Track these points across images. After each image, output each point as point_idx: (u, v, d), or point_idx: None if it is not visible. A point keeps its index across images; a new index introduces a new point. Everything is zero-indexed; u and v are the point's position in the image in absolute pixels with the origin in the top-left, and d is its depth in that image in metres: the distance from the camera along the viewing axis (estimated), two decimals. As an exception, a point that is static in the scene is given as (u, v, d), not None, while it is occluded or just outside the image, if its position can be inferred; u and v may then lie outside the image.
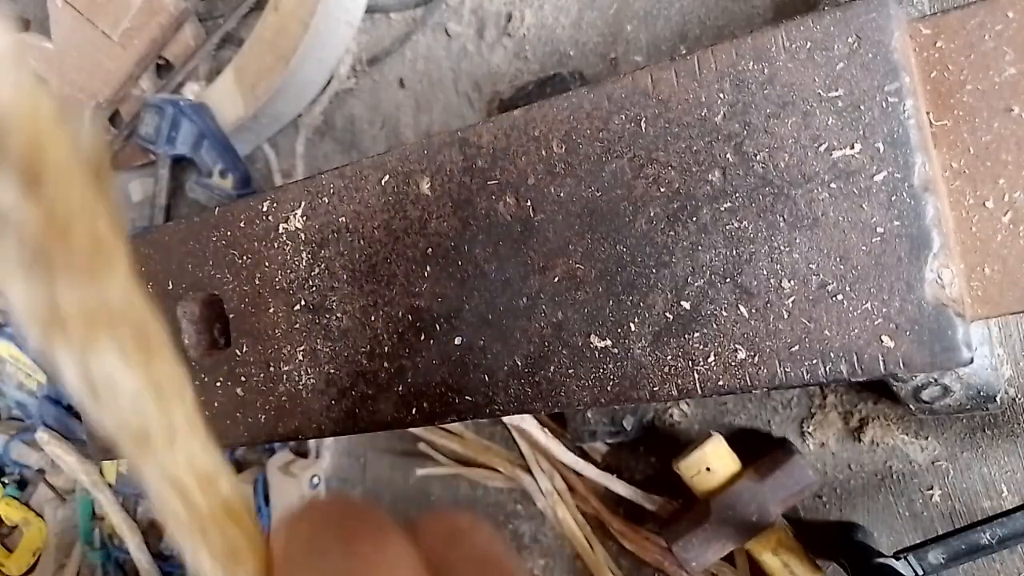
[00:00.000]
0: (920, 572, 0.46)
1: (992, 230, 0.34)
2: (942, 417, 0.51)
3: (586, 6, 0.64)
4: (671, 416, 0.61)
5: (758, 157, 0.36)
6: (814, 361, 0.35)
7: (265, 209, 0.49)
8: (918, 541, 0.47)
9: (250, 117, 0.75)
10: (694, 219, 0.37)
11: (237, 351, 0.50)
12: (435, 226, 0.43)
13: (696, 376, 0.37)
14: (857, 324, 0.34)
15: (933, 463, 0.53)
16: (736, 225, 0.36)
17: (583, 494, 0.65)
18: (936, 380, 0.46)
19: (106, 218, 0.14)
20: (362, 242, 0.46)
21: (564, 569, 0.68)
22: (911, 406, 0.48)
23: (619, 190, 0.39)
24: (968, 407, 0.47)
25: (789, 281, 0.35)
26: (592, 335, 0.39)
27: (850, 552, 0.52)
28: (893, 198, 0.33)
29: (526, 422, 0.64)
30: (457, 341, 0.43)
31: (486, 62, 0.69)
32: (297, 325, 0.48)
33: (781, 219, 0.35)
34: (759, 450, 0.55)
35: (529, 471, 0.67)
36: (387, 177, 0.45)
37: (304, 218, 0.48)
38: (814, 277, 0.35)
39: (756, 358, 0.36)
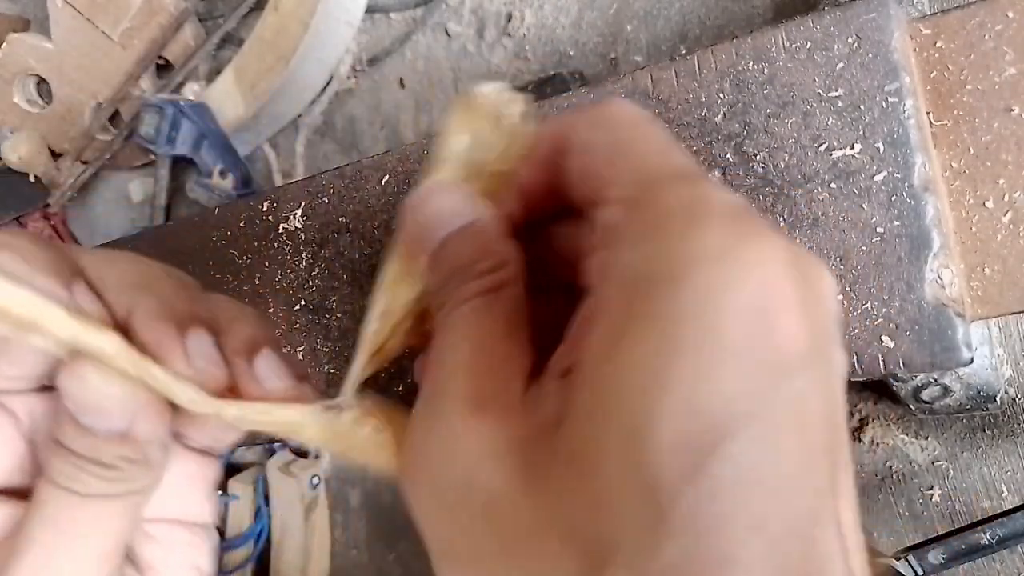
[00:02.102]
0: (920, 572, 0.46)
1: (992, 230, 0.34)
2: (942, 417, 0.51)
3: (586, 6, 0.64)
4: (671, 416, 0.61)
5: (758, 157, 0.36)
6: (814, 361, 0.35)
7: (265, 209, 0.49)
8: (918, 541, 0.47)
9: (250, 117, 0.75)
10: (694, 219, 0.37)
11: (237, 351, 0.50)
12: (435, 226, 0.43)
13: (696, 376, 0.37)
14: (857, 324, 0.34)
15: (933, 463, 0.53)
16: (736, 225, 0.36)
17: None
18: (936, 380, 0.46)
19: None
20: (362, 242, 0.46)
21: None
22: (911, 406, 0.48)
23: (619, 190, 0.39)
24: (968, 407, 0.47)
25: (789, 281, 0.35)
26: (592, 335, 0.39)
27: (850, 552, 0.52)
28: (893, 198, 0.33)
29: (526, 422, 0.64)
30: (457, 341, 0.43)
31: (486, 62, 0.69)
32: (297, 325, 0.48)
33: (781, 219, 0.35)
34: (759, 450, 0.55)
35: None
36: (387, 177, 0.45)
37: (304, 218, 0.47)
38: (814, 277, 0.35)
39: (756, 358, 0.36)
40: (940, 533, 0.46)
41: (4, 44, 0.78)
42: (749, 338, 0.16)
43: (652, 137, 0.20)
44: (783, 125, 0.35)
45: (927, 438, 0.53)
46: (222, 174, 0.77)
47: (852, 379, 0.34)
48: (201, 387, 0.22)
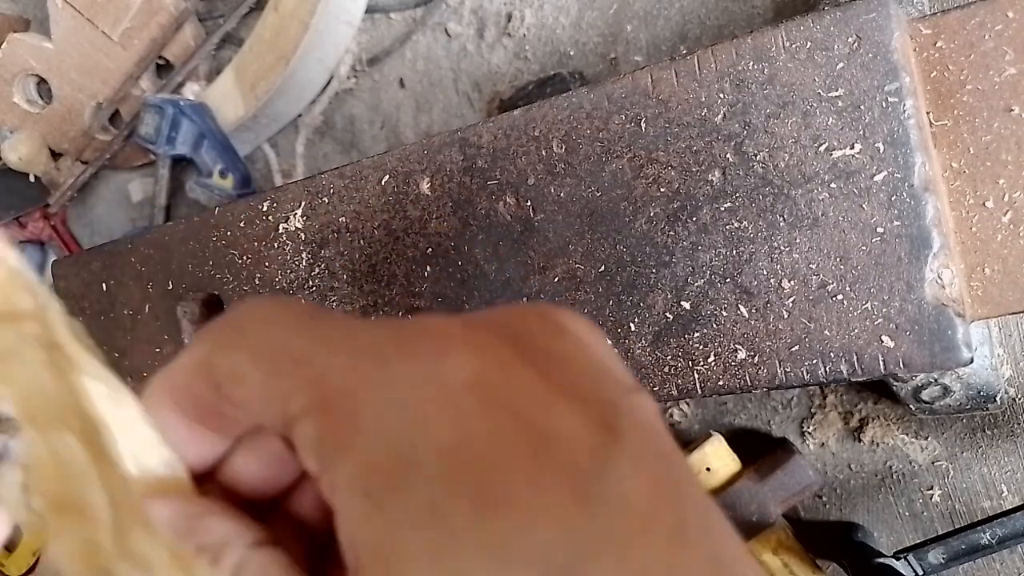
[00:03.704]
0: (920, 572, 0.46)
1: (992, 230, 0.34)
2: (942, 417, 0.51)
3: (586, 6, 0.64)
4: (671, 416, 0.61)
5: (758, 157, 0.36)
6: (814, 361, 0.35)
7: (265, 209, 0.49)
8: (918, 541, 0.47)
9: (250, 117, 0.75)
10: (694, 219, 0.37)
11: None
12: (435, 226, 0.43)
13: (696, 376, 0.37)
14: (857, 324, 0.34)
15: (933, 463, 0.53)
16: (736, 225, 0.36)
17: (583, 494, 0.65)
18: (936, 380, 0.46)
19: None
20: (362, 242, 0.46)
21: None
22: (911, 406, 0.48)
23: (619, 190, 0.39)
24: (968, 407, 0.47)
25: (789, 281, 0.35)
26: (592, 335, 0.39)
27: (850, 552, 0.52)
28: (893, 198, 0.33)
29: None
30: (457, 341, 0.43)
31: (486, 62, 0.69)
32: (297, 325, 0.48)
33: (781, 219, 0.35)
34: (759, 450, 0.55)
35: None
36: (387, 177, 0.45)
37: (304, 218, 0.47)
38: (814, 277, 0.35)
39: (756, 358, 0.36)
40: (940, 533, 0.46)
41: (4, 44, 0.78)
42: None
43: (285, 324, 0.17)
44: (783, 125, 0.35)
45: (927, 438, 0.53)
46: (222, 174, 0.77)
47: (852, 379, 0.34)
48: None
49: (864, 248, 0.34)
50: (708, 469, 0.54)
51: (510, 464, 0.14)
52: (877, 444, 0.55)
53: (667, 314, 0.38)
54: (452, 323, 0.17)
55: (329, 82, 0.75)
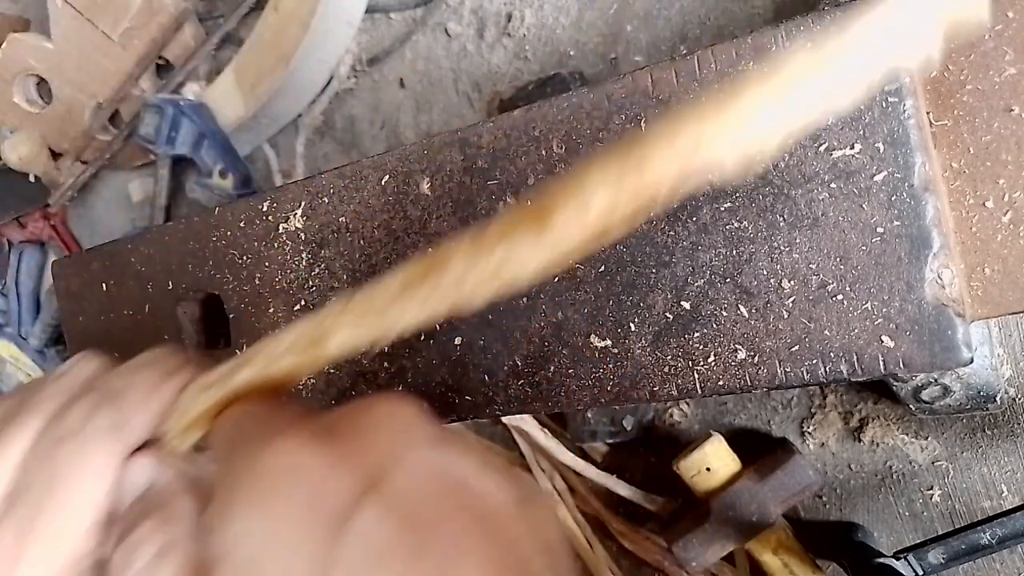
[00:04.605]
0: (920, 572, 0.46)
1: (992, 230, 0.34)
2: (942, 417, 0.51)
3: (586, 6, 0.64)
4: (671, 416, 0.61)
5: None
6: (814, 361, 0.35)
7: (265, 209, 0.49)
8: (918, 541, 0.47)
9: (250, 117, 0.75)
10: (694, 219, 0.37)
11: (237, 351, 0.50)
12: (435, 226, 0.43)
13: (696, 376, 0.37)
14: (857, 324, 0.34)
15: (933, 463, 0.53)
16: (736, 225, 0.36)
17: (583, 494, 0.65)
18: (936, 380, 0.46)
19: None
20: (362, 242, 0.46)
21: (564, 569, 0.68)
22: (911, 406, 0.48)
23: (619, 190, 0.39)
24: (968, 407, 0.47)
25: (789, 281, 0.35)
26: (592, 335, 0.39)
27: (850, 552, 0.52)
28: (893, 198, 0.33)
29: (526, 422, 0.64)
30: (457, 341, 0.43)
31: (486, 62, 0.69)
32: (297, 325, 0.48)
33: (781, 219, 0.35)
34: (759, 450, 0.55)
35: (529, 471, 0.67)
36: (387, 177, 0.45)
37: (304, 218, 0.47)
38: (814, 277, 0.35)
39: (756, 358, 0.36)
40: (940, 533, 0.46)
41: (4, 44, 0.78)
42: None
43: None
44: (783, 125, 0.35)
45: (927, 438, 0.53)
46: (222, 174, 0.77)
47: (852, 379, 0.34)
48: None
49: (864, 248, 0.34)
50: (708, 469, 0.54)
51: (289, 513, 0.21)
52: (877, 444, 0.55)
53: (667, 314, 0.38)
54: (289, 426, 0.24)
55: (329, 82, 0.75)
